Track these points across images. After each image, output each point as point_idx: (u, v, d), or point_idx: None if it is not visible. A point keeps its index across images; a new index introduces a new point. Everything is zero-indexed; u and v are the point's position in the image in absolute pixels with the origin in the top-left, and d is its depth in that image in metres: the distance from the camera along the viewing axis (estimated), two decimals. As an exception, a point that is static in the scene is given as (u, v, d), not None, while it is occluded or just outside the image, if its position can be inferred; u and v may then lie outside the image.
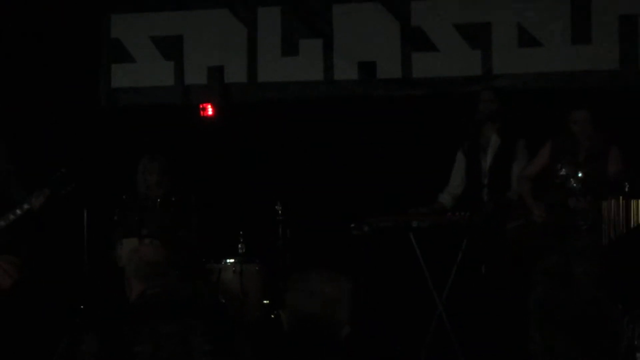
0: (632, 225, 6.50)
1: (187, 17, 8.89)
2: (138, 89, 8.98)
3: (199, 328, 4.26)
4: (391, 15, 8.46)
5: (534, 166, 7.03)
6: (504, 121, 7.53)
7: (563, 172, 6.58)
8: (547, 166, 6.89)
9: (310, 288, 3.49)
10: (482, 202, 7.38)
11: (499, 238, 7.07)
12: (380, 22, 8.46)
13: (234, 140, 8.53)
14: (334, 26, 8.57)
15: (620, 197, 6.50)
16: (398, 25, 8.45)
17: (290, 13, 8.67)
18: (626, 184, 6.48)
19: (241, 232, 7.83)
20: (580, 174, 6.50)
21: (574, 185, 6.49)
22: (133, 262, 4.61)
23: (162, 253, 4.72)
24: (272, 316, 7.66)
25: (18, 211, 6.56)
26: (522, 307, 6.57)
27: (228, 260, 7.72)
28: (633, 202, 6.51)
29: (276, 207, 7.84)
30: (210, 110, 8.31)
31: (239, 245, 7.81)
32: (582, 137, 6.78)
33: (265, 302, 7.71)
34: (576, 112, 6.82)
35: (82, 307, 7.58)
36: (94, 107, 8.95)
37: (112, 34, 9.00)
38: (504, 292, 7.01)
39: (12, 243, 6.65)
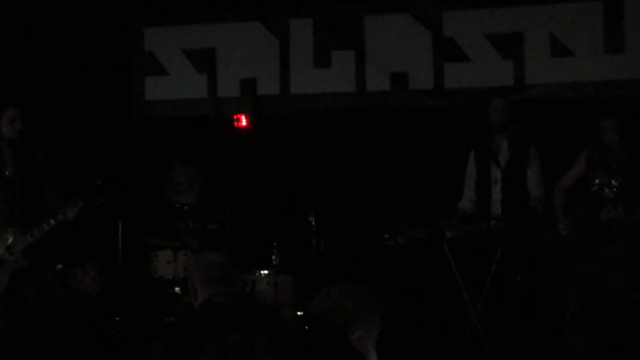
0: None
1: (219, 30, 8.95)
2: (171, 101, 9.04)
3: (260, 335, 4.34)
4: (423, 26, 8.47)
5: (571, 176, 6.99)
6: (516, 128, 7.50)
7: (597, 181, 6.56)
8: (582, 176, 6.87)
9: (326, 292, 3.63)
10: (514, 212, 7.36)
11: (533, 247, 7.04)
12: (412, 32, 8.48)
13: (267, 151, 8.55)
14: (365, 37, 8.60)
15: None
16: (430, 36, 8.46)
17: (322, 25, 8.71)
18: None
19: (275, 244, 7.85)
20: (613, 183, 6.47)
21: (608, 194, 6.46)
22: (200, 265, 4.63)
23: (227, 259, 4.73)
24: (306, 327, 7.66)
25: (52, 221, 6.61)
26: (557, 317, 6.59)
27: (262, 272, 7.74)
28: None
29: (309, 218, 7.85)
30: (244, 121, 8.34)
31: (273, 257, 7.82)
32: (612, 146, 6.75)
33: (298, 313, 7.72)
34: (604, 121, 6.79)
35: (117, 318, 7.62)
36: (128, 119, 9.02)
37: (146, 47, 9.08)
38: (539, 301, 6.99)
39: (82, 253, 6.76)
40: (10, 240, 6.56)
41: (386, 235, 7.45)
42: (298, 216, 7.88)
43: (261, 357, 4.28)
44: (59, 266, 6.66)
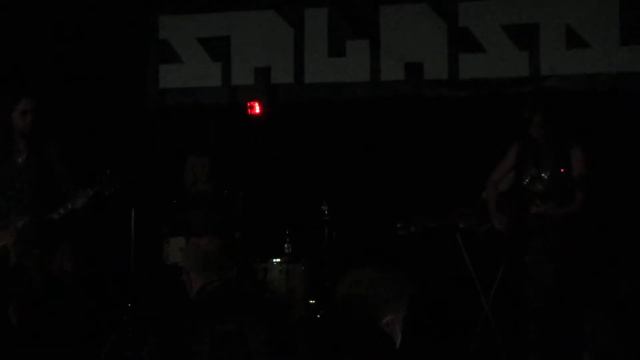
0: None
1: (234, 18, 8.92)
2: (185, 90, 9.02)
3: (255, 323, 4.23)
4: (438, 16, 8.42)
5: (502, 169, 6.90)
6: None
7: (528, 175, 6.53)
8: (513, 169, 6.79)
9: (355, 277, 3.59)
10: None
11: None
12: (427, 23, 8.43)
13: (281, 140, 8.55)
14: (380, 27, 8.55)
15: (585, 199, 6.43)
16: (445, 26, 8.41)
17: (337, 14, 8.67)
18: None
19: (287, 232, 7.86)
20: (544, 177, 6.44)
21: (539, 188, 6.43)
22: (192, 253, 4.50)
23: (221, 245, 4.57)
24: (318, 316, 7.67)
25: (62, 210, 6.64)
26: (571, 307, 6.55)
27: (274, 260, 7.76)
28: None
29: (322, 207, 7.86)
30: (257, 109, 8.33)
31: (285, 245, 7.84)
32: (540, 140, 6.63)
33: (311, 301, 7.73)
34: (534, 116, 6.67)
35: (129, 305, 7.63)
36: (142, 107, 9.02)
37: (160, 35, 9.06)
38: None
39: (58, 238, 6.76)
40: (21, 227, 6.59)
41: (399, 225, 7.45)
42: (311, 205, 7.88)
43: (256, 345, 4.20)
44: (36, 251, 6.66)
